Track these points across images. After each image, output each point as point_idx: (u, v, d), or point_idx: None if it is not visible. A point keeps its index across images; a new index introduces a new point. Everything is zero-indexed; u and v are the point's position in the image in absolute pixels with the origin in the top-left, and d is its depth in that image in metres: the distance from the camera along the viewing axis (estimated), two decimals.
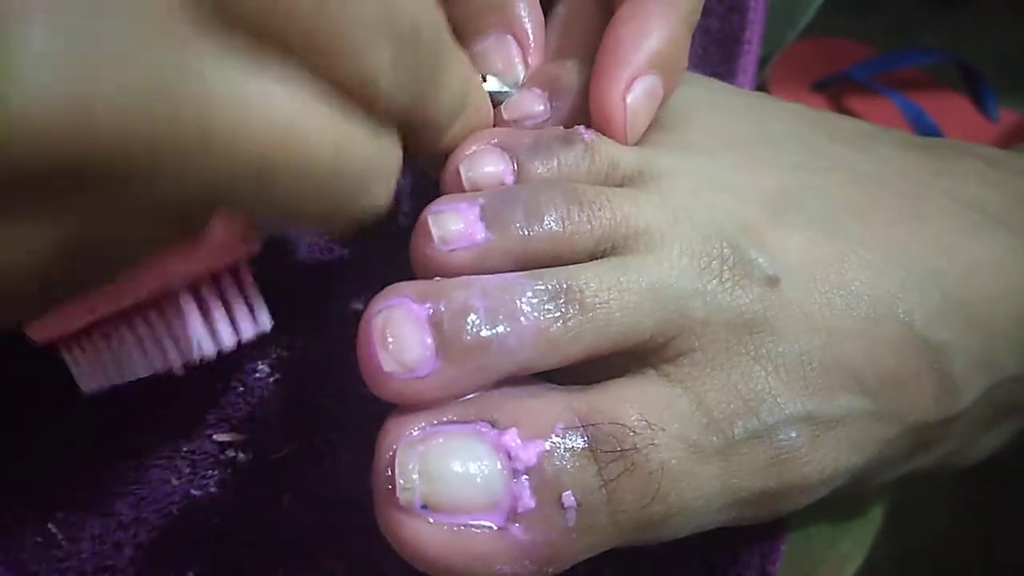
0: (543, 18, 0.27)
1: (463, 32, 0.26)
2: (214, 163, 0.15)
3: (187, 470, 0.27)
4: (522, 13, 0.26)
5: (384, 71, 0.18)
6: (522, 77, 0.27)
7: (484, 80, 0.26)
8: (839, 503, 0.24)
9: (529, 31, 0.26)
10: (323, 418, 0.28)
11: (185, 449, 0.27)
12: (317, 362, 0.29)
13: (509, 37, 0.26)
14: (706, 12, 0.38)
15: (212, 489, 0.27)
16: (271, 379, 0.28)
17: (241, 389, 0.28)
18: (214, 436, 0.27)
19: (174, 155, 0.14)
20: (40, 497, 0.26)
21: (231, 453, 0.27)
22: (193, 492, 0.27)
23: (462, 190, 0.24)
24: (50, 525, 0.26)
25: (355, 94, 0.18)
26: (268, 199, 0.16)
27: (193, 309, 0.23)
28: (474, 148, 0.24)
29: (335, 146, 0.17)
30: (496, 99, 0.26)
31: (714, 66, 0.37)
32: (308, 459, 0.28)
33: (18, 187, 0.13)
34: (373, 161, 0.19)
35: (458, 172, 0.24)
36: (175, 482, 0.27)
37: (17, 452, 0.27)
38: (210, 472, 0.27)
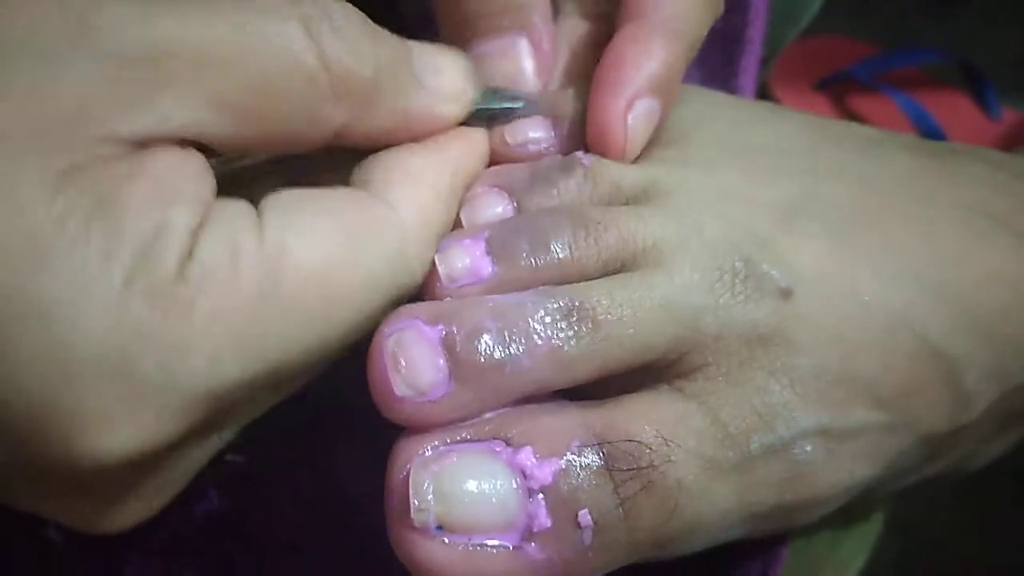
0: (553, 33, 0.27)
1: (475, 28, 0.26)
2: None
3: None
4: (538, 20, 0.26)
5: None
6: (533, 84, 0.26)
7: (482, 101, 0.25)
8: (842, 506, 0.24)
9: (544, 39, 0.26)
10: (321, 418, 0.28)
11: None
12: None
13: (524, 40, 0.26)
14: None
15: (209, 491, 0.27)
16: None
17: None
18: None
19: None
20: None
21: (228, 454, 0.27)
22: (190, 493, 0.26)
23: None
24: (48, 530, 0.26)
25: None
26: None
27: None
28: (471, 192, 0.24)
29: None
30: (500, 114, 0.25)
31: (716, 67, 0.37)
32: (306, 460, 0.27)
33: None
34: None
35: (459, 218, 0.23)
36: None
37: None
38: (207, 473, 0.27)
